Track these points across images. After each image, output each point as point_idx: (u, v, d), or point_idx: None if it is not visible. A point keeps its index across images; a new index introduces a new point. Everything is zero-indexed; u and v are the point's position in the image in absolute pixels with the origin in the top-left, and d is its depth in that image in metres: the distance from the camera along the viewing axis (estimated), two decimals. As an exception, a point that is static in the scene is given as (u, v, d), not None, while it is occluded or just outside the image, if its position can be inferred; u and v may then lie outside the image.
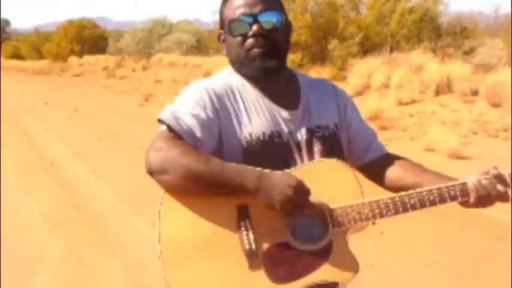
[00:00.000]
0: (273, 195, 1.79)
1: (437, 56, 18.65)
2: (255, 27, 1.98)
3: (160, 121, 1.93)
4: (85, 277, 5.32)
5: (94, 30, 53.45)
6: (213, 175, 1.80)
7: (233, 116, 1.99)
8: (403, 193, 1.95)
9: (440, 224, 6.25)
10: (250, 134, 1.97)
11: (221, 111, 1.98)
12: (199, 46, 37.61)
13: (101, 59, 43.05)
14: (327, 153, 2.02)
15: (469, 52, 21.03)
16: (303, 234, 1.88)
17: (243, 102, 2.03)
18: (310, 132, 2.05)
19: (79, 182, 9.20)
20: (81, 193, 8.43)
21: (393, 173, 2.13)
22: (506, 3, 35.12)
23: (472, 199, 1.96)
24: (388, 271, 5.17)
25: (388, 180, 2.14)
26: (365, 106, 13.66)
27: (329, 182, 1.94)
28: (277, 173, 1.83)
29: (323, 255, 1.88)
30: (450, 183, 1.97)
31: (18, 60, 63.51)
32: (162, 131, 1.91)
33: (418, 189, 1.96)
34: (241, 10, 2.01)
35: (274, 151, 1.98)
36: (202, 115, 1.94)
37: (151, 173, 1.84)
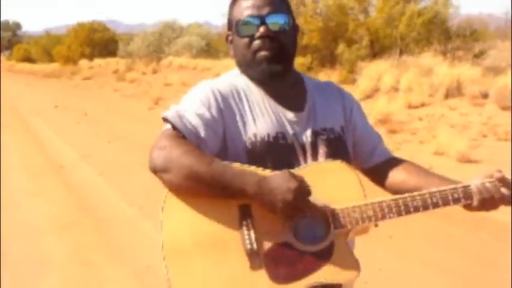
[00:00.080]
0: (273, 200, 1.79)
1: (447, 59, 18.57)
2: (262, 29, 1.99)
3: (165, 119, 1.95)
4: (92, 280, 5.32)
5: (104, 33, 53.59)
6: (214, 177, 1.80)
7: (238, 117, 2.00)
8: (406, 195, 1.94)
9: (449, 228, 6.22)
10: (255, 135, 1.98)
11: (226, 112, 1.98)
12: (208, 49, 37.64)
13: (111, 62, 43.13)
14: (332, 155, 2.02)
15: (479, 55, 20.91)
16: (304, 234, 1.88)
17: (248, 103, 2.03)
18: (315, 135, 2.05)
19: (88, 185, 9.21)
20: (90, 196, 8.44)
21: (397, 176, 2.13)
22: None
23: (475, 202, 1.95)
24: (396, 275, 5.15)
25: (392, 184, 2.14)
26: (374, 109, 13.63)
27: (332, 182, 1.94)
28: (277, 177, 1.82)
29: (324, 256, 1.88)
30: (453, 186, 1.97)
31: (29, 63, 63.72)
32: (166, 129, 1.93)
33: (421, 192, 1.96)
34: (249, 12, 2.02)
35: (278, 152, 1.98)
36: (207, 115, 1.95)
37: (155, 171, 1.86)
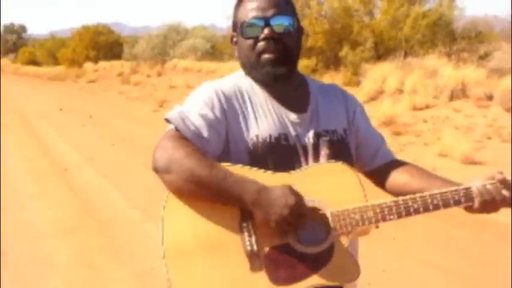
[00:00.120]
0: (269, 212, 1.79)
1: (452, 61, 18.53)
2: (266, 31, 2.00)
3: (167, 120, 1.95)
4: (96, 283, 5.32)
5: (109, 36, 53.59)
6: (214, 182, 1.81)
7: (241, 118, 2.01)
8: (406, 197, 1.94)
9: (452, 230, 6.21)
10: (257, 136, 1.98)
11: (229, 112, 1.99)
12: (213, 52, 37.65)
13: (116, 65, 43.18)
14: (334, 157, 2.02)
15: (484, 57, 20.86)
16: (304, 236, 1.88)
17: (252, 104, 2.04)
18: (318, 136, 2.05)
19: (92, 187, 9.22)
20: (94, 199, 8.45)
21: (399, 178, 2.12)
22: (522, 7, 34.84)
23: (476, 204, 1.95)
24: (399, 277, 5.14)
25: (394, 186, 2.13)
26: (379, 111, 13.62)
27: (333, 184, 1.94)
28: (278, 189, 1.82)
29: (324, 258, 1.88)
30: (454, 188, 1.96)
31: (34, 66, 63.82)
32: (170, 130, 1.94)
33: (422, 193, 1.95)
34: (254, 13, 2.03)
35: (280, 153, 1.98)
36: (210, 115, 1.95)
37: (157, 170, 1.87)
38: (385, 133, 11.35)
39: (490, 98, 14.13)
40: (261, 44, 2.01)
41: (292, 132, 2.02)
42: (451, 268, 5.31)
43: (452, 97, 14.91)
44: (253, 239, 1.83)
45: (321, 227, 1.90)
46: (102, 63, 46.20)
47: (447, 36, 22.09)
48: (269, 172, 1.90)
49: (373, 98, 16.71)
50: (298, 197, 1.81)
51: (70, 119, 19.18)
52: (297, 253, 1.86)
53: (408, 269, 5.34)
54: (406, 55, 21.14)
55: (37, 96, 30.85)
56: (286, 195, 1.79)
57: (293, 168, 1.95)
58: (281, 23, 2.02)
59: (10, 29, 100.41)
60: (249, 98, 2.05)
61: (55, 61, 58.59)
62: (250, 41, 2.03)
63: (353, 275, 1.90)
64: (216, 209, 1.85)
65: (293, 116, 2.04)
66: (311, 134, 2.05)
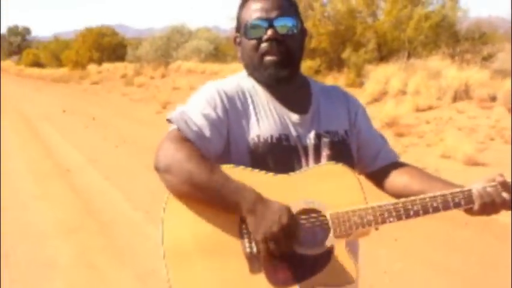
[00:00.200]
0: (260, 223, 1.79)
1: (455, 62, 18.51)
2: (269, 32, 2.00)
3: (169, 121, 1.96)
4: (97, 284, 5.32)
5: (113, 37, 53.61)
6: (212, 187, 1.81)
7: (242, 118, 2.01)
8: (406, 199, 1.93)
9: (454, 231, 6.20)
10: (258, 136, 1.98)
11: (231, 112, 1.99)
12: (217, 53, 37.66)
13: (119, 67, 43.21)
14: (335, 158, 2.01)
15: (487, 58, 20.82)
16: (303, 238, 1.87)
17: (253, 105, 2.04)
18: (319, 137, 2.05)
19: (94, 189, 9.22)
20: (96, 200, 8.45)
21: (400, 180, 2.12)
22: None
23: (476, 206, 1.94)
24: (401, 278, 5.14)
25: (395, 188, 2.13)
26: (382, 112, 13.62)
27: (333, 186, 1.93)
28: (275, 205, 1.81)
29: (323, 260, 1.87)
30: (454, 190, 1.95)
31: (38, 67, 63.88)
32: (172, 130, 1.95)
33: (422, 196, 1.94)
34: (258, 14, 2.03)
35: (281, 154, 1.98)
36: (213, 115, 1.96)
37: (158, 170, 1.87)
38: (388, 134, 11.35)
39: (493, 99, 14.12)
40: (264, 45, 2.01)
41: (294, 133, 2.02)
42: (453, 269, 5.30)
43: (455, 98, 14.91)
44: (253, 241, 1.83)
45: (321, 229, 1.89)
46: (106, 65, 46.23)
47: (450, 37, 22.09)
48: (270, 174, 1.89)
49: (376, 99, 16.71)
50: (293, 220, 1.81)
51: (73, 121, 19.20)
52: (296, 255, 1.85)
53: (410, 269, 5.33)
54: (409, 56, 21.13)
55: (40, 98, 30.88)
56: (282, 213, 1.79)
57: (293, 169, 1.95)
58: (284, 24, 2.03)
59: (14, 31, 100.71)
60: (251, 98, 2.05)
61: (59, 63, 58.67)
62: (253, 42, 2.03)
63: (351, 278, 1.89)
64: (215, 211, 1.84)
65: (294, 117, 2.04)
66: (312, 134, 2.04)
